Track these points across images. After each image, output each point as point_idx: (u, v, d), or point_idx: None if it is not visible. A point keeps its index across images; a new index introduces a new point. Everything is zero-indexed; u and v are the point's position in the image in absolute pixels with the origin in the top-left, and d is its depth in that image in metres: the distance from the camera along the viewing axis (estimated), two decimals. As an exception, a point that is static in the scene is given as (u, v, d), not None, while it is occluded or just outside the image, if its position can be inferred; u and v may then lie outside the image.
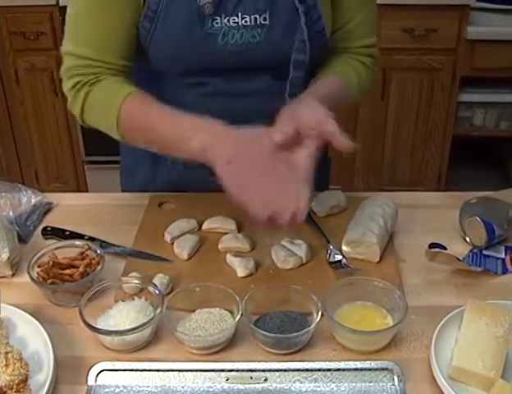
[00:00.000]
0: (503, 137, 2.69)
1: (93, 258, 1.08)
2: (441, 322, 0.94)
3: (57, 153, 2.90)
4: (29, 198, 1.26)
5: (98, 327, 0.94)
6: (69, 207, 1.31)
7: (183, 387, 0.89)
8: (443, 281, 1.07)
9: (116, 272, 1.10)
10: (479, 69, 2.60)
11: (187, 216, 1.22)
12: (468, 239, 1.15)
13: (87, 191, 2.95)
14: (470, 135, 2.72)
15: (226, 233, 1.18)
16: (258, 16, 1.12)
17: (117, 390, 0.89)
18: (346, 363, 0.90)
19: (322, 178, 1.38)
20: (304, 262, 1.11)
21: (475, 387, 0.86)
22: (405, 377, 0.89)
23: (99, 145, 2.84)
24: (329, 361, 0.91)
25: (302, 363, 0.90)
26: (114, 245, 1.17)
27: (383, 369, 0.90)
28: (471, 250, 1.13)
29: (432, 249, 1.07)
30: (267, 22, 1.13)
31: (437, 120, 2.70)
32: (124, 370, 0.91)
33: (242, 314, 0.94)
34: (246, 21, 1.12)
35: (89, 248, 1.09)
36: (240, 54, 1.14)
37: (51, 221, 1.26)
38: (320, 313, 0.95)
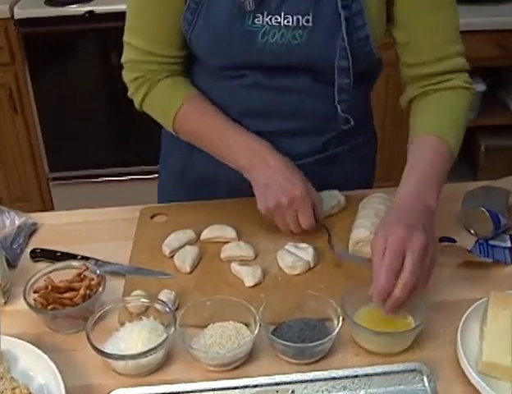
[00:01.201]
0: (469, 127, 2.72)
1: (93, 279, 1.01)
2: (463, 317, 0.92)
3: (19, 171, 2.79)
4: (12, 219, 1.19)
5: (108, 352, 0.88)
6: (55, 226, 1.24)
7: (205, 408, 0.85)
8: (454, 275, 1.06)
9: (116, 291, 1.05)
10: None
11: (181, 227, 1.17)
12: (472, 230, 1.13)
13: (53, 208, 2.85)
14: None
15: (226, 242, 1.14)
16: (300, 17, 1.09)
17: (137, 417, 0.84)
18: (373, 367, 0.87)
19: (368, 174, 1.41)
20: (312, 266, 1.08)
21: (507, 381, 0.84)
22: (435, 377, 0.87)
23: (64, 160, 2.78)
24: (355, 367, 0.87)
25: (328, 371, 0.87)
26: (110, 263, 1.11)
27: (412, 371, 0.87)
28: (477, 241, 1.12)
29: (442, 243, 1.05)
30: (310, 24, 1.09)
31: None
32: (143, 395, 0.86)
33: (260, 326, 0.90)
34: (288, 21, 1.09)
35: (87, 268, 1.03)
36: (279, 54, 1.12)
37: (38, 242, 1.18)
38: (341, 318, 0.91)
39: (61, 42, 2.57)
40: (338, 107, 1.16)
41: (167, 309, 0.94)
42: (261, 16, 1.09)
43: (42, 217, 1.26)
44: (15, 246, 1.15)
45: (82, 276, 1.02)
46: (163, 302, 0.95)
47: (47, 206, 2.86)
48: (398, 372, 0.87)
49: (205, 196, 1.29)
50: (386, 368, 0.87)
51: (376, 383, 0.86)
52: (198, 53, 1.18)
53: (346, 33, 1.08)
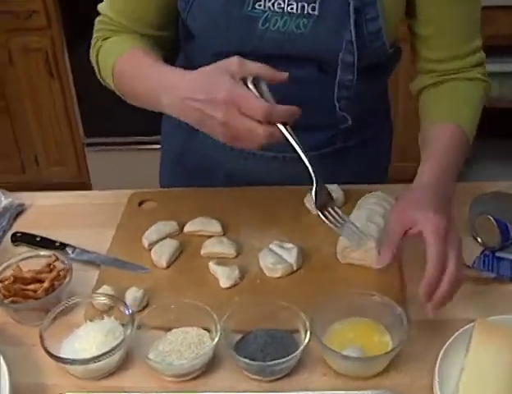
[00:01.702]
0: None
1: (62, 270, 0.97)
2: (447, 343, 0.83)
3: (55, 136, 2.80)
4: (-2, 200, 1.16)
5: (59, 355, 0.84)
6: (43, 208, 1.20)
7: (153, 423, 0.80)
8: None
9: (89, 283, 1.00)
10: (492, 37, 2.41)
11: (169, 216, 1.11)
12: (479, 239, 1.02)
13: (88, 174, 2.86)
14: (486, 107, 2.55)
15: (210, 236, 1.07)
16: (306, 5, 1.00)
17: (80, 426, 0.80)
18: (337, 392, 0.79)
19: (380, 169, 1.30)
20: (295, 269, 1.00)
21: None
22: (405, 409, 0.79)
23: (99, 127, 2.77)
24: (318, 390, 0.80)
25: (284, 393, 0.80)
26: (88, 252, 1.07)
27: (379, 400, 0.79)
28: (483, 252, 1.01)
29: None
30: (316, 13, 1.00)
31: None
32: (90, 402, 0.82)
33: (220, 335, 0.84)
34: (292, 8, 1.00)
35: (57, 258, 0.99)
36: (281, 43, 1.03)
37: (22, 225, 1.15)
38: (308, 334, 0.84)
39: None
40: (336, 104, 1.07)
41: (127, 312, 0.88)
42: (262, 1, 1.00)
43: (30, 198, 1.23)
44: (-3, 229, 1.13)
45: (51, 266, 0.98)
46: (124, 303, 0.90)
47: (82, 171, 2.87)
48: (364, 400, 0.79)
49: (203, 184, 1.22)
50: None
51: (337, 411, 0.79)
52: (196, 34, 1.10)
53: (355, 25, 0.98)
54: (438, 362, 0.81)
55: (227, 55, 1.05)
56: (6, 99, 2.73)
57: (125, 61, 1.04)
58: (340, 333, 0.87)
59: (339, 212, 0.90)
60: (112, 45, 1.08)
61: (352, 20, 0.98)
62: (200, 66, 1.01)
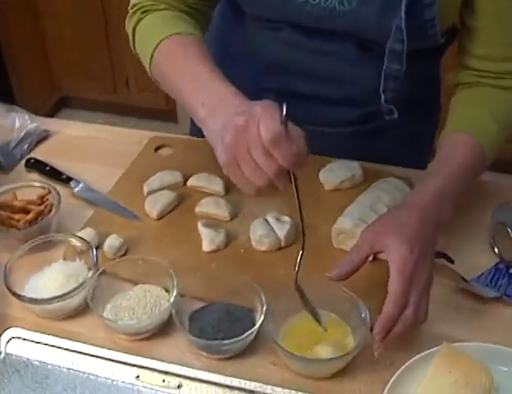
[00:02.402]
0: None
1: (51, 205, 0.97)
2: (410, 361, 0.74)
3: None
4: (23, 122, 1.17)
5: (19, 292, 0.84)
6: (66, 138, 1.21)
7: (88, 375, 0.78)
8: (443, 300, 0.85)
9: (82, 221, 1.00)
10: None
11: (178, 165, 1.08)
12: (496, 249, 0.90)
13: (175, 103, 2.88)
14: None
15: (211, 194, 1.03)
16: None
17: (23, 364, 0.80)
18: (274, 389, 0.74)
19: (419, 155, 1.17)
20: (283, 245, 0.93)
21: None
22: (340, 422, 0.72)
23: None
24: (257, 382, 0.75)
25: (221, 377, 0.75)
26: (91, 190, 1.06)
27: (317, 406, 0.73)
28: (496, 265, 0.88)
29: (437, 260, 0.84)
30: None
31: None
32: (37, 342, 0.82)
33: (174, 304, 0.80)
34: None
35: (50, 192, 0.98)
36: (320, 18, 0.94)
37: (42, 151, 1.16)
38: (262, 318, 0.78)
39: None
40: (382, 96, 0.97)
41: (94, 259, 0.87)
42: None
43: (57, 125, 1.23)
44: (16, 151, 1.14)
45: (44, 199, 0.98)
46: (92, 248, 0.88)
47: (170, 99, 2.88)
48: (301, 402, 0.73)
49: None
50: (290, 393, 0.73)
51: (271, 407, 0.73)
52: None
53: (408, 11, 0.87)
54: (394, 378, 0.72)
55: (266, 21, 0.99)
56: (106, 21, 2.78)
57: (167, 54, 0.93)
58: (301, 324, 0.80)
59: None
60: (152, 24, 0.98)
61: (404, 5, 0.86)
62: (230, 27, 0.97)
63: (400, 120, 1.08)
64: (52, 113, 2.97)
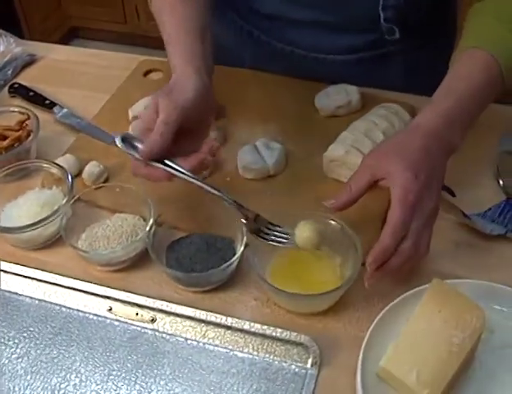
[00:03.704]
0: None
1: (31, 131, 0.92)
2: (398, 299, 0.69)
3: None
4: (8, 46, 1.11)
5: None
6: (53, 62, 1.14)
7: (60, 308, 0.75)
8: (442, 235, 0.77)
9: (63, 148, 0.95)
10: None
11: (168, 91, 1.01)
12: (500, 182, 0.82)
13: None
14: None
15: (200, 120, 0.96)
16: None
17: (-7, 294, 0.77)
18: (251, 325, 0.69)
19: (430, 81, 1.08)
20: (272, 173, 0.87)
21: (403, 398, 0.62)
22: (322, 360, 0.67)
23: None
24: (235, 318, 0.70)
25: (197, 311, 0.71)
26: (74, 116, 1.00)
27: (297, 344, 0.68)
28: (508, 199, 0.81)
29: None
30: None
31: None
32: (8, 272, 0.78)
33: (150, 233, 0.76)
34: None
35: (29, 117, 0.93)
36: None
37: (26, 77, 1.11)
38: (241, 248, 0.73)
39: None
40: (381, 14, 0.89)
41: (69, 184, 0.82)
42: None
43: (44, 49, 1.17)
44: (0, 77, 1.08)
45: (24, 124, 0.93)
46: (67, 174, 0.83)
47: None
48: (281, 340, 0.68)
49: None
50: (267, 330, 0.68)
51: (248, 345, 0.69)
52: None
53: None
54: (380, 315, 0.67)
55: None
56: None
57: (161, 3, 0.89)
58: (288, 256, 0.75)
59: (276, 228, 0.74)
60: None
61: None
62: None
63: (408, 45, 1.00)
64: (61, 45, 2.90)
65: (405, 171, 0.68)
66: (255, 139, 0.91)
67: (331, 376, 0.67)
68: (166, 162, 0.72)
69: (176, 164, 0.73)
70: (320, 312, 0.72)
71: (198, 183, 0.73)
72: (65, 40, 2.99)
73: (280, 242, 0.72)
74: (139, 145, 0.73)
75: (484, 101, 0.78)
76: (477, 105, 0.77)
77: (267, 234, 0.73)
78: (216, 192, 0.73)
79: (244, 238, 0.73)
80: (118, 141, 0.74)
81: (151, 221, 0.76)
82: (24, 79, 1.10)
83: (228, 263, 0.72)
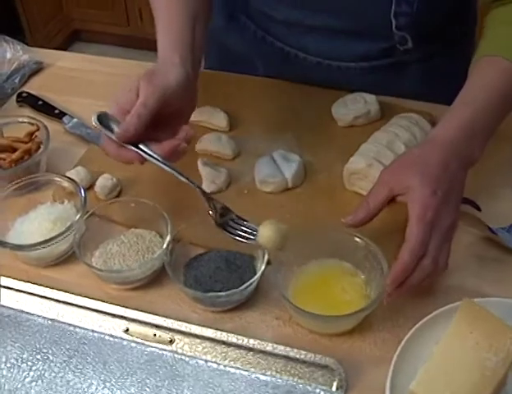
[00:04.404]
0: None
1: (41, 142, 0.90)
2: (426, 318, 0.66)
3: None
4: (15, 53, 1.08)
5: (2, 239, 0.77)
6: (61, 70, 1.12)
7: (74, 328, 0.72)
8: (463, 249, 0.76)
9: (74, 160, 0.92)
10: None
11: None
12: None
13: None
14: None
15: (214, 130, 0.94)
16: None
17: (4, 314, 0.73)
18: (274, 346, 0.67)
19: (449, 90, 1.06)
20: (290, 186, 0.85)
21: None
22: (348, 383, 0.65)
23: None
24: (256, 338, 0.67)
25: (217, 332, 0.68)
26: (85, 126, 0.98)
27: (322, 367, 0.65)
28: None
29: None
30: None
31: None
32: (20, 291, 0.75)
33: (167, 250, 0.73)
34: None
35: (38, 128, 0.90)
36: None
37: (34, 85, 1.08)
38: (263, 267, 0.70)
39: None
40: (393, 21, 0.87)
41: (83, 200, 0.79)
42: None
43: (51, 57, 1.14)
44: (7, 85, 1.06)
45: (33, 136, 0.91)
46: (80, 188, 0.80)
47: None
48: (305, 362, 0.66)
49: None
50: (291, 352, 0.66)
51: (271, 367, 0.66)
52: None
53: None
54: (408, 336, 0.65)
55: None
56: None
57: None
58: (312, 274, 0.72)
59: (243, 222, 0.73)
60: None
61: None
62: None
63: (423, 53, 0.97)
64: (64, 48, 2.87)
65: (423, 186, 0.66)
66: (272, 149, 0.89)
67: (358, 399, 0.64)
68: (140, 146, 0.72)
69: (150, 150, 0.72)
70: (344, 332, 0.70)
71: (168, 169, 0.72)
72: (67, 43, 2.97)
73: (244, 238, 0.71)
74: (115, 127, 0.72)
75: (504, 110, 0.76)
76: (497, 115, 0.75)
77: (233, 228, 0.72)
78: (184, 179, 0.73)
79: (266, 256, 0.71)
80: (94, 120, 0.73)
81: (168, 237, 0.74)
82: (31, 87, 1.07)
83: (250, 281, 0.69)
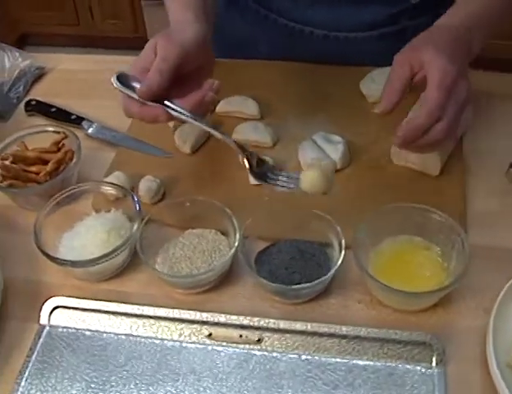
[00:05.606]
0: None
1: (70, 151, 0.85)
2: (509, 283, 0.66)
3: (112, -14, 2.60)
4: (14, 61, 1.03)
5: (54, 254, 0.73)
6: (65, 73, 1.06)
7: (152, 340, 0.69)
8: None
9: (104, 166, 0.88)
10: None
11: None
12: None
13: (145, 29, 2.68)
14: None
15: (246, 119, 0.91)
16: None
17: (74, 336, 0.70)
18: (369, 330, 0.66)
19: None
20: (339, 167, 0.83)
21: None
22: (447, 357, 0.64)
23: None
24: (345, 325, 0.66)
25: (306, 324, 0.67)
26: (106, 129, 0.93)
27: (419, 344, 0.65)
28: None
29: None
30: None
31: None
32: (82, 309, 0.71)
33: (237, 247, 0.71)
34: None
35: (66, 136, 0.86)
36: None
37: (38, 92, 1.03)
38: (343, 252, 0.69)
39: None
40: None
41: (137, 207, 0.76)
42: None
43: (54, 60, 1.08)
44: (12, 95, 1.00)
45: (60, 145, 0.86)
46: (132, 195, 0.77)
47: (139, 26, 2.69)
48: (400, 342, 0.65)
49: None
50: (385, 333, 0.65)
51: (367, 351, 0.65)
52: None
53: None
54: (499, 300, 0.65)
55: None
56: None
57: None
58: (391, 252, 0.71)
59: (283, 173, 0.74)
60: None
61: None
62: None
63: (432, 17, 0.97)
64: (14, 52, 2.75)
65: (441, 57, 0.69)
66: (310, 133, 0.87)
67: (459, 372, 0.64)
68: (165, 102, 0.70)
69: (175, 105, 0.70)
70: (427, 307, 0.69)
71: (195, 122, 0.71)
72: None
73: (286, 187, 0.71)
74: (136, 85, 0.70)
75: (503, 11, 0.79)
76: (497, 14, 0.78)
77: (273, 179, 0.73)
78: (217, 133, 0.73)
79: (343, 241, 0.69)
80: (114, 80, 0.72)
81: (238, 234, 0.71)
82: (36, 94, 1.02)
83: (336, 267, 0.68)
